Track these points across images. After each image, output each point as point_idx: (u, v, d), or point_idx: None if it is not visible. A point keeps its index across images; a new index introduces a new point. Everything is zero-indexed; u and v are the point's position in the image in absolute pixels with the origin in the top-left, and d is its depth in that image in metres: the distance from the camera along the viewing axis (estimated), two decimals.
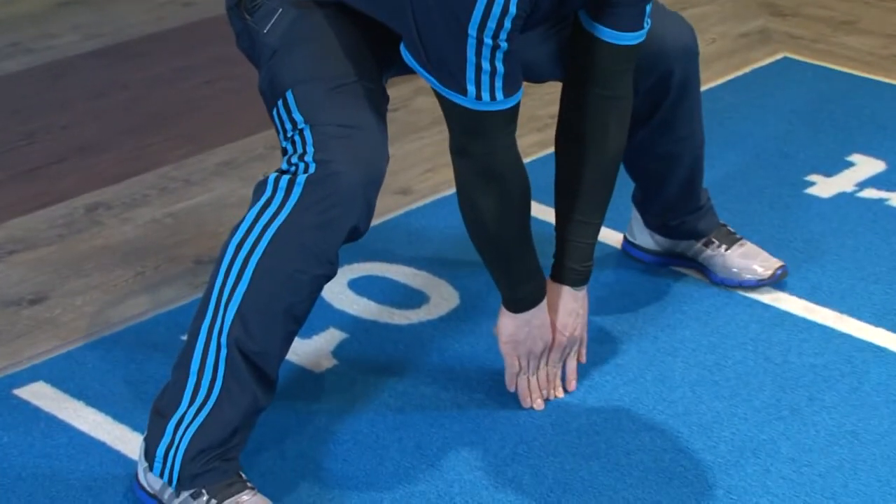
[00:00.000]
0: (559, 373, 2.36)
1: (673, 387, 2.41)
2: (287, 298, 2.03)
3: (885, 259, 2.78)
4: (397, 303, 2.62)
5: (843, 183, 3.06)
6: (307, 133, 2.05)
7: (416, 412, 2.34)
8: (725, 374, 2.44)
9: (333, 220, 2.03)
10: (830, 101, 3.43)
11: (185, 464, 2.05)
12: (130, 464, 2.21)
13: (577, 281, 2.33)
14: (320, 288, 2.06)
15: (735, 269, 2.63)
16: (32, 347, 2.49)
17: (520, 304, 2.27)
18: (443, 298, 2.64)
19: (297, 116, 2.06)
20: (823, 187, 3.04)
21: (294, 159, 2.05)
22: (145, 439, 2.10)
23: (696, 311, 2.61)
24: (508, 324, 2.29)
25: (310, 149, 2.03)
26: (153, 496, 2.10)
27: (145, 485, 2.11)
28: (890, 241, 2.84)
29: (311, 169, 2.02)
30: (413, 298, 2.64)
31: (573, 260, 2.32)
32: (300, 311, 2.06)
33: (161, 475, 2.07)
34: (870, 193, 3.02)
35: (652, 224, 2.68)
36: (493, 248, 2.23)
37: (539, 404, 2.34)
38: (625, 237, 2.76)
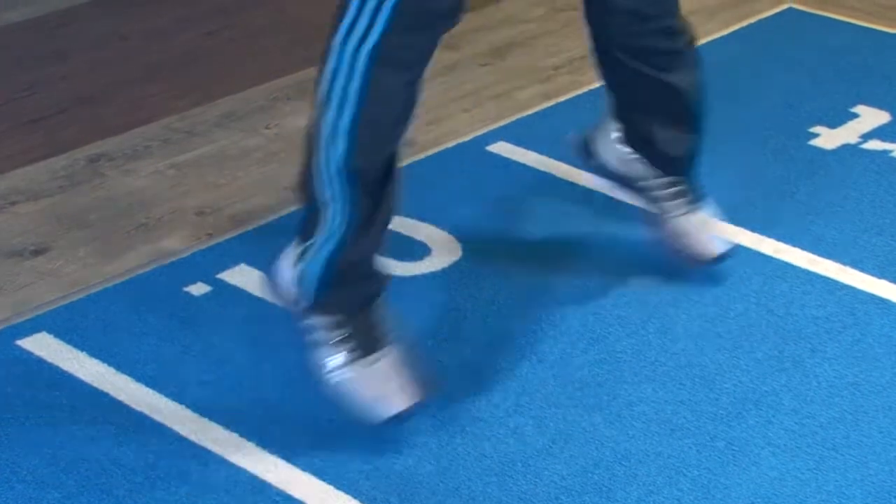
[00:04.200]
0: None
1: (675, 339, 2.41)
2: (394, 113, 2.01)
3: (889, 211, 2.77)
4: (399, 255, 2.62)
5: (847, 134, 3.05)
6: None
7: (417, 364, 2.34)
8: (728, 326, 2.44)
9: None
10: (835, 52, 3.41)
11: (320, 286, 2.05)
12: (133, 414, 2.21)
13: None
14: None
15: (683, 237, 2.46)
16: (35, 298, 2.49)
17: None
18: (445, 251, 2.64)
19: None
20: (827, 139, 3.03)
21: None
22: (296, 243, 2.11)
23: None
24: None
25: None
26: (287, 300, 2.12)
27: (283, 286, 2.12)
28: (894, 193, 2.83)
29: None
30: (415, 251, 2.64)
31: None
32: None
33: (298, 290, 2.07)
34: (874, 145, 3.01)
35: (633, 136, 2.44)
36: None
37: None
38: (584, 143, 2.56)
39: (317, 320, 2.07)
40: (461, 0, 2.01)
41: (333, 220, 2.04)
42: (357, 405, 2.07)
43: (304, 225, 2.11)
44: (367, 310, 2.08)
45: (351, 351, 2.06)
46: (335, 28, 1.97)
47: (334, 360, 2.06)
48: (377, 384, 2.06)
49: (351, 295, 2.07)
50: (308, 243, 2.09)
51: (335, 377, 2.07)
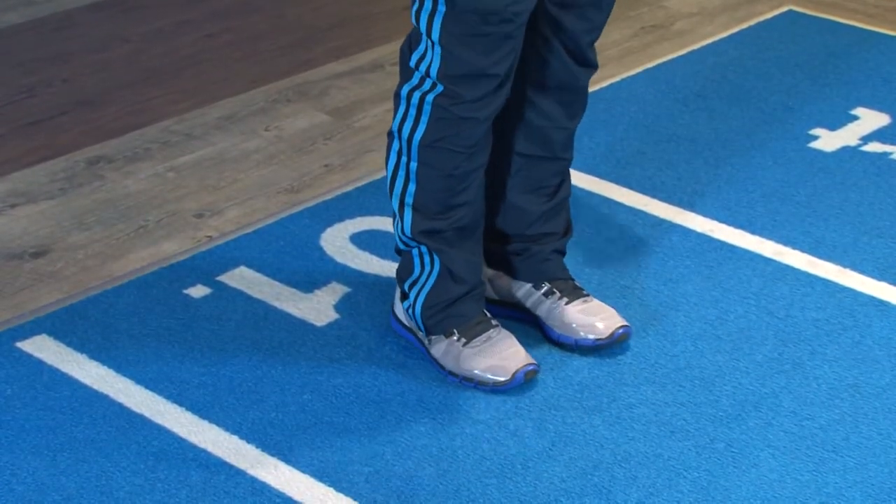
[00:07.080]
0: None
1: (675, 341, 2.41)
2: (450, 187, 2.25)
3: (889, 213, 2.77)
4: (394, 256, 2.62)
5: (847, 136, 3.05)
6: None
7: (418, 366, 2.34)
8: (727, 329, 2.45)
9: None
10: (835, 54, 3.41)
11: (425, 322, 2.32)
12: (134, 416, 2.21)
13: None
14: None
15: (574, 325, 2.38)
16: (35, 300, 2.49)
17: None
18: None
19: None
20: (827, 141, 3.03)
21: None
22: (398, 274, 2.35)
23: (699, 265, 2.61)
24: None
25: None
26: (408, 329, 2.37)
27: (401, 317, 2.37)
28: (893, 195, 2.83)
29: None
30: None
31: None
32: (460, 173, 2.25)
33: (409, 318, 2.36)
34: (874, 147, 3.01)
35: (492, 254, 2.42)
36: None
37: None
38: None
39: (433, 338, 2.34)
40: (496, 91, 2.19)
41: (423, 269, 2.31)
42: (479, 377, 2.29)
43: (402, 267, 2.35)
44: (471, 317, 2.33)
45: (458, 339, 2.31)
46: (394, 118, 2.25)
47: (449, 352, 2.32)
48: (490, 356, 2.29)
49: (454, 319, 2.32)
50: (406, 286, 2.34)
51: (451, 364, 2.31)
